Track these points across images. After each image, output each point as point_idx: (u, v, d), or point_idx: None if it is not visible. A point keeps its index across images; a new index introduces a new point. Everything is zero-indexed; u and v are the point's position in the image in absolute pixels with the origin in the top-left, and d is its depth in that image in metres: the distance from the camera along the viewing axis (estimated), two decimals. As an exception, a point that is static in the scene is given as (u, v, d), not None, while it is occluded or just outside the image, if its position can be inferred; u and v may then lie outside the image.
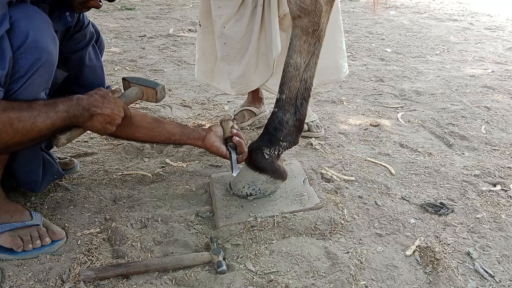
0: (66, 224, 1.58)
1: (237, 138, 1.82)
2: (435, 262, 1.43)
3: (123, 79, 1.72)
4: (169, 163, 2.05)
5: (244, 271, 1.38)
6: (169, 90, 3.03)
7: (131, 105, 1.72)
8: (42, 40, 1.27)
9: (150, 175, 1.94)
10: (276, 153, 1.67)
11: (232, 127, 1.86)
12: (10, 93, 1.26)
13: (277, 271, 1.38)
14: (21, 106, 1.25)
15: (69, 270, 1.38)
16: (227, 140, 1.84)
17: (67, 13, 1.47)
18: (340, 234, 1.57)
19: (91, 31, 1.68)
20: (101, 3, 1.46)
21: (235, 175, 1.75)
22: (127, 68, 3.47)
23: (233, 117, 2.38)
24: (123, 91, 1.68)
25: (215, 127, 1.88)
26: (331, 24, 2.15)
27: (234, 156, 1.81)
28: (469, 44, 4.50)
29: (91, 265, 1.40)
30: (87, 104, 1.38)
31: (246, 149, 1.86)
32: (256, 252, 1.46)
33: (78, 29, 1.63)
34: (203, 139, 1.81)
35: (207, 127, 1.95)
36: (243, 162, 1.76)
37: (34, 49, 1.25)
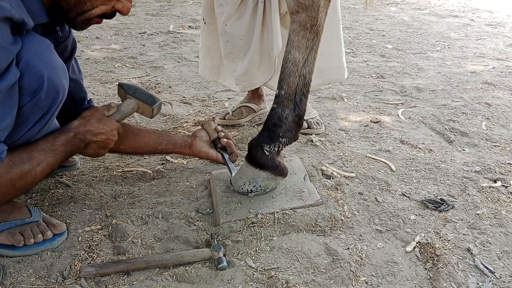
0: (67, 221, 1.58)
1: (225, 140, 1.80)
2: (435, 258, 1.44)
3: (119, 85, 1.64)
4: (169, 160, 2.05)
5: (244, 267, 1.38)
6: (170, 87, 3.03)
7: None
8: (57, 77, 1.27)
9: (151, 172, 1.94)
10: (276, 149, 1.67)
11: (215, 128, 1.82)
12: (35, 131, 1.29)
13: (277, 267, 1.38)
14: (22, 159, 1.26)
15: (70, 267, 1.38)
16: (214, 142, 1.82)
17: (57, 28, 1.43)
18: (340, 230, 1.57)
19: (73, 42, 1.60)
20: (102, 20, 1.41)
21: (232, 178, 1.75)
22: (127, 65, 3.47)
23: (220, 117, 2.37)
24: (118, 100, 1.63)
25: (198, 132, 1.84)
26: (336, 22, 2.16)
27: (227, 157, 1.81)
28: (469, 41, 4.49)
29: (92, 262, 1.40)
30: (83, 134, 1.40)
31: (235, 149, 1.86)
32: (257, 248, 1.46)
33: (61, 40, 1.54)
34: (190, 146, 1.78)
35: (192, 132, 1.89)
36: (244, 159, 1.76)
37: (51, 88, 1.26)
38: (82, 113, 1.49)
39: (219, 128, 1.81)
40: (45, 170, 1.31)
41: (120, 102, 1.62)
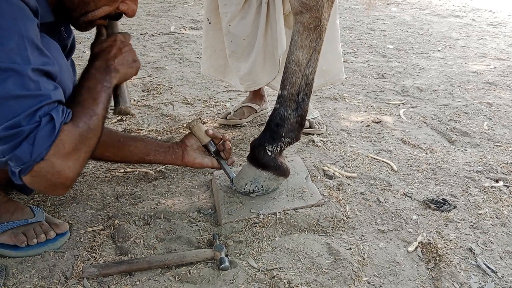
0: (69, 221, 1.59)
1: (228, 146, 1.70)
2: (437, 258, 1.44)
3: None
4: (171, 161, 2.05)
5: (246, 268, 1.39)
6: (171, 88, 3.03)
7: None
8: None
9: (153, 173, 1.95)
10: (278, 149, 1.67)
11: (206, 132, 1.69)
12: None
13: (279, 268, 1.39)
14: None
15: (73, 267, 1.38)
16: (207, 147, 1.70)
17: (62, 28, 1.42)
18: (342, 230, 1.57)
19: (72, 41, 1.55)
20: (106, 21, 1.40)
21: (233, 178, 1.73)
22: (128, 66, 3.47)
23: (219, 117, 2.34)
24: None
25: (188, 139, 1.70)
26: (337, 23, 2.16)
27: (223, 162, 1.72)
28: (471, 40, 4.49)
29: (94, 262, 1.40)
30: (109, 62, 1.35)
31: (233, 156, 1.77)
32: (259, 248, 1.46)
33: (64, 41, 1.49)
34: (182, 159, 1.67)
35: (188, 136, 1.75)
36: (245, 159, 1.76)
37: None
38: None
39: (210, 131, 1.69)
40: (103, 111, 1.28)
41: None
